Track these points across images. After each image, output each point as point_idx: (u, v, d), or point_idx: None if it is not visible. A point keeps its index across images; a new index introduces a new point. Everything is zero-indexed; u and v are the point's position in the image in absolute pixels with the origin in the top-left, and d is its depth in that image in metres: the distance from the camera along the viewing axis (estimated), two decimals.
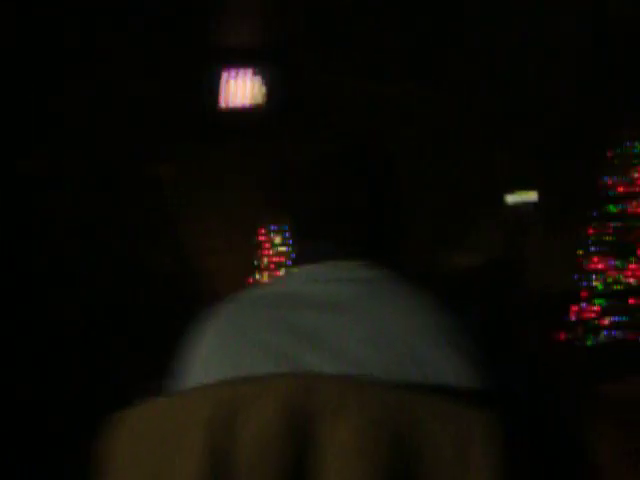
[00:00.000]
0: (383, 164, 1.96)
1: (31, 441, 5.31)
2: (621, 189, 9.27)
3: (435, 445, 1.58)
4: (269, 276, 9.77)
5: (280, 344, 1.77)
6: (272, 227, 10.69)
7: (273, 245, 10.60)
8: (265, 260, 10.54)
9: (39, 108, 8.49)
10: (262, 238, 10.65)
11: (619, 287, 9.25)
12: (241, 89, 11.03)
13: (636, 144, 9.40)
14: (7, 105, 8.30)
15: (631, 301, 9.06)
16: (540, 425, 1.83)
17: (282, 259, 10.28)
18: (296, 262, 2.00)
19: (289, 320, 1.80)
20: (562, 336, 9.21)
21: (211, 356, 1.84)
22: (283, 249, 10.63)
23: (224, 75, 10.95)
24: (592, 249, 9.38)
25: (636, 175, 9.39)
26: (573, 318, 9.26)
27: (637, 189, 9.37)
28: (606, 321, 9.19)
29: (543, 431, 1.81)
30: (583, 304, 9.25)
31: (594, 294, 9.29)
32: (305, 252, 1.94)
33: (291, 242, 2.04)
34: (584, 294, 9.30)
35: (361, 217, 1.90)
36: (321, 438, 1.58)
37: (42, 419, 5.74)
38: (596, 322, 9.22)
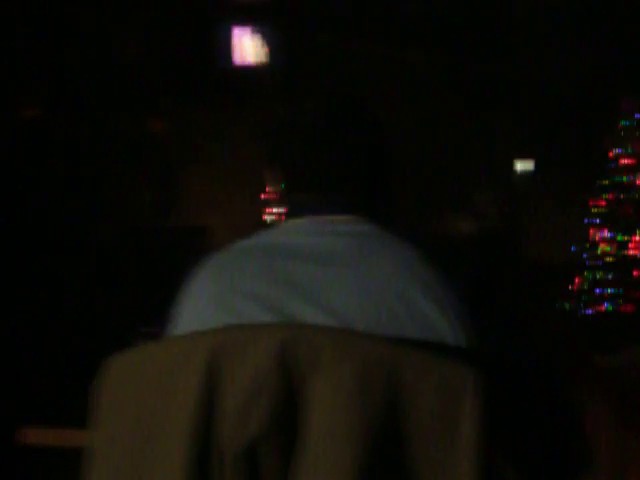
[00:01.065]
0: (374, 124, 1.99)
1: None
2: (625, 161, 9.22)
3: (419, 398, 1.61)
4: None
5: (270, 294, 1.80)
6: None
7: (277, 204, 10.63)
8: (268, 217, 10.55)
9: (41, 56, 8.44)
10: (266, 196, 10.67)
11: (611, 259, 9.25)
12: (245, 47, 11.03)
13: None
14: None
15: (635, 273, 9.06)
16: (523, 385, 1.87)
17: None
18: (288, 215, 2.03)
19: (279, 270, 1.83)
20: (559, 304, 9.27)
21: (203, 303, 1.87)
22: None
23: (229, 33, 10.98)
24: (592, 220, 9.34)
25: None
26: (570, 287, 9.30)
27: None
28: (602, 292, 9.19)
29: (526, 391, 1.86)
30: (581, 274, 9.28)
31: (592, 265, 9.31)
32: (297, 205, 1.96)
33: (284, 196, 2.04)
34: (582, 265, 9.32)
35: (353, 172, 1.93)
36: (307, 388, 1.61)
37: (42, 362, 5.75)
38: (592, 293, 9.24)
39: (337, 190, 1.93)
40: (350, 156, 1.94)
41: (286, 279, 1.80)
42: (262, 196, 10.77)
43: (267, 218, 10.54)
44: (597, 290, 9.12)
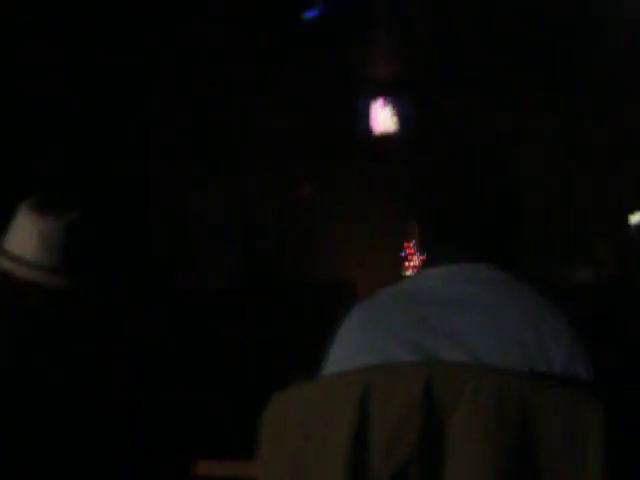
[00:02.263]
0: (507, 174, 1.98)
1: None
2: None
3: (550, 428, 1.62)
4: None
5: (414, 336, 1.81)
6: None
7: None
8: (410, 271, 10.56)
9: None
10: (408, 251, 10.69)
11: None
12: (379, 117, 11.22)
13: None
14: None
15: None
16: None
17: None
18: (424, 265, 2.03)
19: (422, 315, 1.85)
20: None
21: (354, 346, 1.89)
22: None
23: (367, 105, 11.18)
24: None
25: None
26: None
27: None
28: None
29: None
30: None
31: None
32: (434, 255, 1.97)
33: (421, 246, 2.02)
34: None
35: (488, 221, 1.93)
36: (450, 420, 1.64)
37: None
38: None
39: (472, 239, 1.93)
40: (486, 205, 1.94)
41: (429, 323, 1.81)
42: (403, 252, 10.78)
43: (407, 272, 10.52)
44: None
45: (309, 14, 7.85)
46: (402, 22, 8.96)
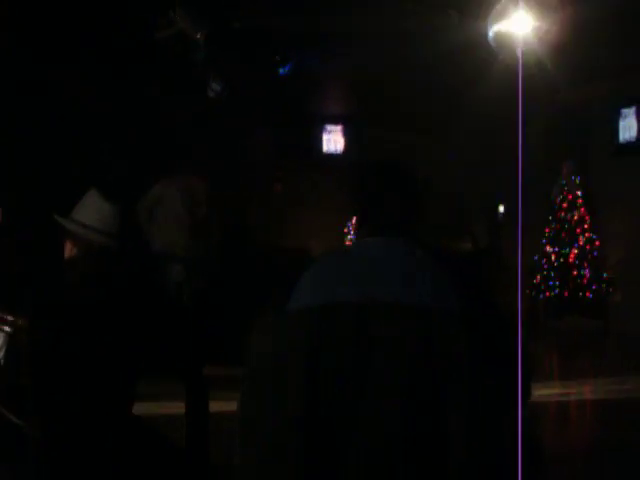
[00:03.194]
0: (412, 182, 1.98)
1: None
2: (564, 205, 9.55)
3: (439, 347, 1.63)
4: None
5: (353, 281, 1.81)
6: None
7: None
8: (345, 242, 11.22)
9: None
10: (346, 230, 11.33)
11: (556, 264, 9.57)
12: (333, 141, 11.72)
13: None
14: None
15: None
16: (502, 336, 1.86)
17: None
18: (360, 237, 2.04)
19: (359, 267, 1.83)
20: (528, 291, 9.46)
21: (312, 287, 1.87)
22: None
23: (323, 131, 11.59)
24: (543, 241, 9.63)
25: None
26: (533, 281, 9.45)
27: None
28: (552, 284, 9.40)
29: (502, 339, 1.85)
30: (539, 274, 9.49)
31: (544, 268, 9.54)
32: (364, 232, 1.97)
33: (356, 227, 2.06)
34: (540, 268, 9.54)
35: (399, 215, 1.94)
36: (376, 341, 1.64)
37: None
38: (545, 284, 9.46)
39: (391, 226, 1.96)
40: (402, 203, 1.97)
41: (363, 274, 1.83)
42: (345, 230, 11.42)
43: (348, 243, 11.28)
44: (550, 283, 9.31)
45: (282, 71, 7.95)
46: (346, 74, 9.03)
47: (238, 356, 1.85)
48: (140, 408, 2.56)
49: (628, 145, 9.35)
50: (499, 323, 1.79)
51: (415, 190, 2.01)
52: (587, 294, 9.14)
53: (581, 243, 9.34)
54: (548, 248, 9.57)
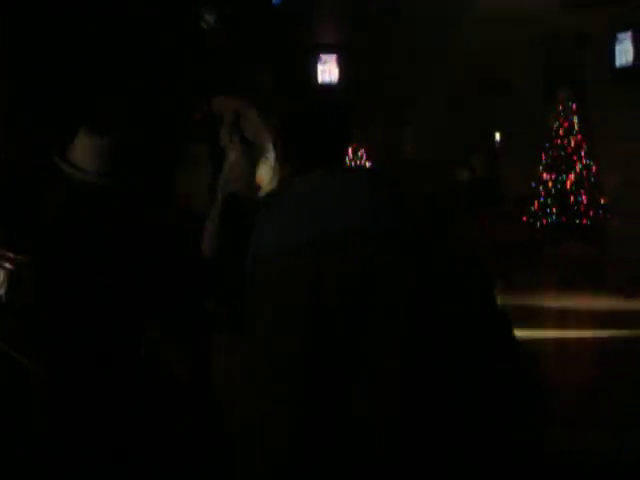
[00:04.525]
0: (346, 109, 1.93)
1: None
2: (560, 131, 9.58)
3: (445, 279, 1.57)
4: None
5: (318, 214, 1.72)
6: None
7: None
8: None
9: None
10: None
11: (553, 191, 9.67)
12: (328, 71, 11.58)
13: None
14: None
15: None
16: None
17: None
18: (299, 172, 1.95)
19: (316, 201, 1.74)
20: (525, 219, 9.49)
21: (294, 219, 1.78)
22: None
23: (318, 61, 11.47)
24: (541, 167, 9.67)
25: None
26: (531, 209, 9.51)
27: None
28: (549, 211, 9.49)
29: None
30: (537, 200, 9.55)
31: (543, 195, 9.60)
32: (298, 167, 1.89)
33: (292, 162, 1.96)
34: (537, 194, 9.60)
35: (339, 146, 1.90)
36: (379, 270, 1.55)
37: None
38: (543, 212, 9.52)
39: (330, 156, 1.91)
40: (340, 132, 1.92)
41: (321, 205, 1.75)
42: None
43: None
44: (547, 210, 9.37)
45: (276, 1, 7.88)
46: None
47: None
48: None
49: (624, 70, 9.28)
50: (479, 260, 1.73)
51: (342, 117, 1.93)
52: (584, 221, 9.16)
53: (578, 170, 9.33)
54: (545, 175, 9.57)
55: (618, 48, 9.33)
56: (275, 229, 1.68)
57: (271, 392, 1.58)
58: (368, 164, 11.38)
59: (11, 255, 2.43)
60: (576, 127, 9.44)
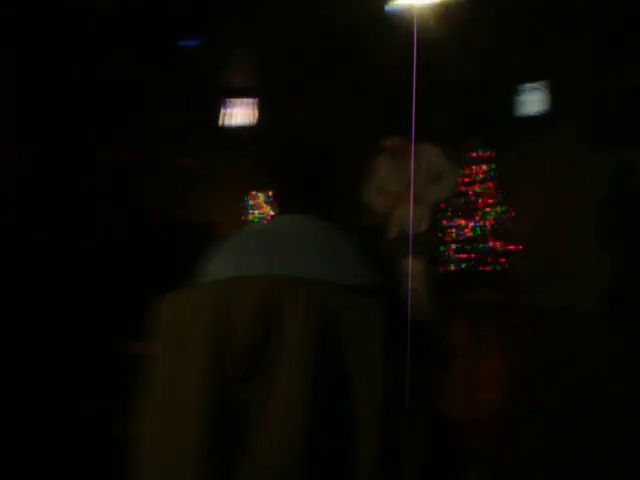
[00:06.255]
0: (330, 166, 1.98)
1: None
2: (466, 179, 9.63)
3: (350, 321, 1.60)
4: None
5: (265, 257, 1.79)
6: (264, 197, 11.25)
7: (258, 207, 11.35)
8: (252, 217, 11.25)
9: None
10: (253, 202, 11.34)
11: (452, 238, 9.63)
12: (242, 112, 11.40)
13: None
14: None
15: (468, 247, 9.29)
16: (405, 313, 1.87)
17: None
18: (278, 213, 2.02)
19: (272, 243, 1.81)
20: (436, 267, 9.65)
21: (223, 262, 1.85)
22: (267, 209, 11.16)
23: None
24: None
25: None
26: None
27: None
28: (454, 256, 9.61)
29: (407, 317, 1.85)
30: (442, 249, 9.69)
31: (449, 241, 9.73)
32: (282, 209, 1.95)
33: (274, 204, 2.03)
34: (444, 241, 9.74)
35: (313, 195, 1.93)
36: (283, 315, 1.60)
37: None
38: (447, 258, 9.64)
39: (303, 203, 1.91)
40: (316, 187, 1.94)
41: (275, 250, 1.78)
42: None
43: (251, 217, 11.20)
44: (454, 256, 9.54)
45: (189, 43, 7.82)
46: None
47: None
48: None
49: (534, 119, 9.52)
50: (402, 296, 1.82)
51: (327, 166, 1.99)
52: (492, 267, 9.28)
53: (486, 216, 9.47)
54: (445, 222, 9.62)
55: (528, 98, 9.61)
56: (212, 262, 1.77)
57: (175, 424, 1.63)
58: None
59: None
60: (481, 175, 9.61)
